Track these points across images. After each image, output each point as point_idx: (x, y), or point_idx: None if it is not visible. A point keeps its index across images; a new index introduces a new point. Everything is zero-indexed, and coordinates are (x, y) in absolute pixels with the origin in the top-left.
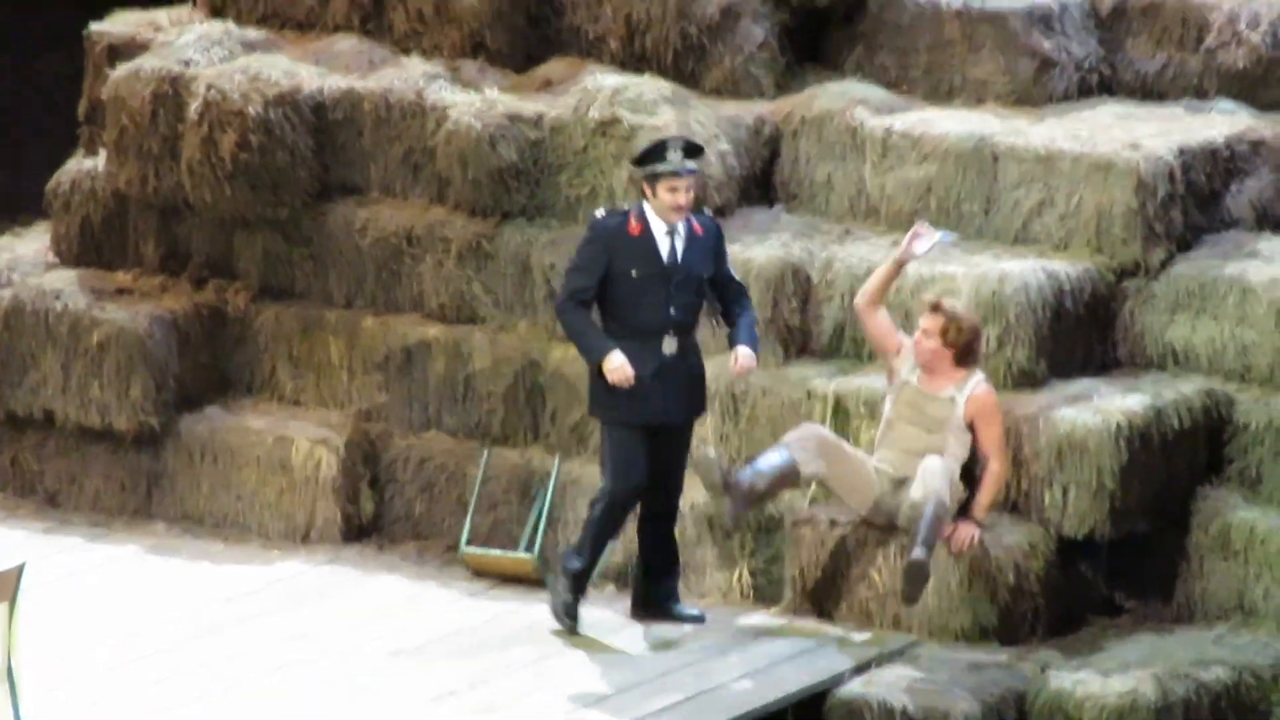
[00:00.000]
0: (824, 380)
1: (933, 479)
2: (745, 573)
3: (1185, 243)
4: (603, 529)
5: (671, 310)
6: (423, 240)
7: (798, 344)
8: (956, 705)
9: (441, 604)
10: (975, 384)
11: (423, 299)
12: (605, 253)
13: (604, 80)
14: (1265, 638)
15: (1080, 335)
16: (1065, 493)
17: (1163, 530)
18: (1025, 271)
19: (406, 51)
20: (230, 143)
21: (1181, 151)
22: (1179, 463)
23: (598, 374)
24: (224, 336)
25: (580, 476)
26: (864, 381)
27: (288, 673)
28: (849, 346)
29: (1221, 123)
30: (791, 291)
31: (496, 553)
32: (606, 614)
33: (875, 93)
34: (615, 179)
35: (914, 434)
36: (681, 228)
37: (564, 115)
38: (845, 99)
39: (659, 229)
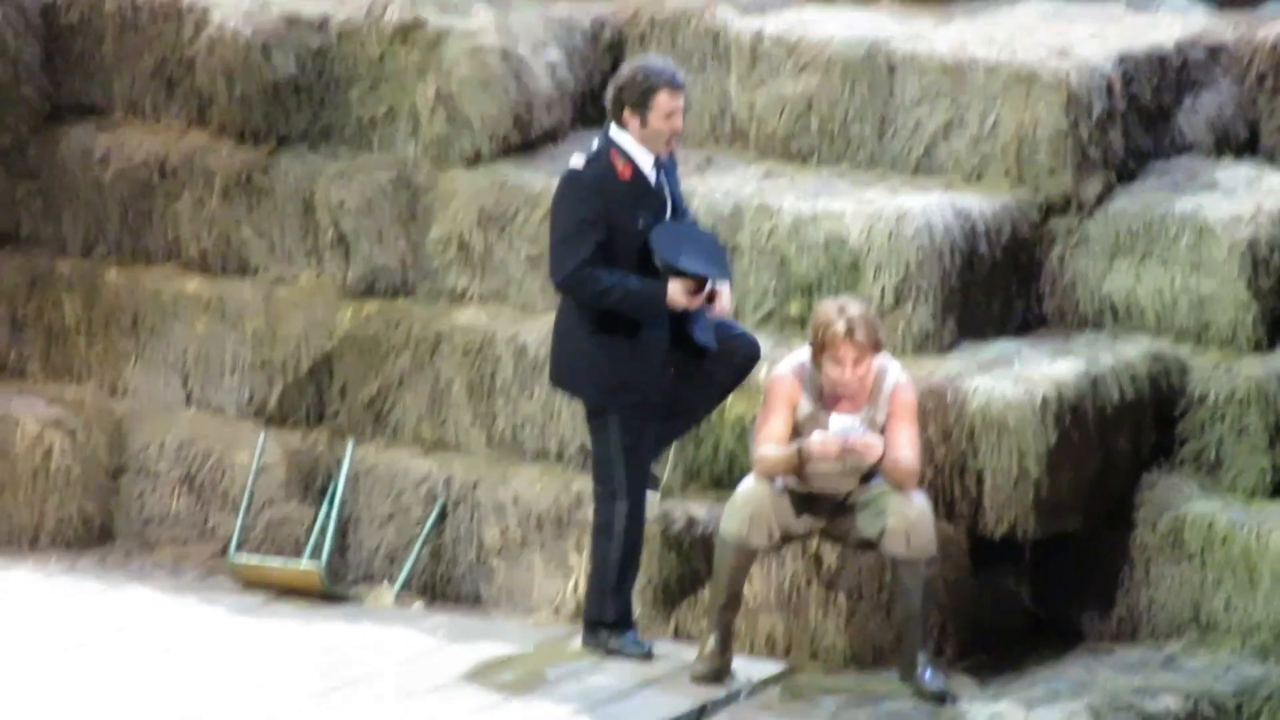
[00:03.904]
0: None
1: (921, 532)
2: (583, 582)
3: (1127, 172)
4: (632, 551)
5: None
6: (179, 173)
7: None
8: None
9: (206, 623)
10: (890, 384)
11: (179, 245)
12: (604, 211)
13: None
14: (1227, 658)
15: (997, 287)
16: (979, 482)
17: (1100, 528)
18: (929, 208)
19: None
20: None
21: (1122, 60)
22: (1120, 444)
23: (597, 350)
24: None
25: (377, 465)
26: None
27: (9, 710)
28: None
29: (1171, 24)
30: None
31: (274, 561)
32: (417, 636)
33: None
34: (419, 96)
35: (834, 465)
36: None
37: (355, 18)
38: None
39: (646, 164)
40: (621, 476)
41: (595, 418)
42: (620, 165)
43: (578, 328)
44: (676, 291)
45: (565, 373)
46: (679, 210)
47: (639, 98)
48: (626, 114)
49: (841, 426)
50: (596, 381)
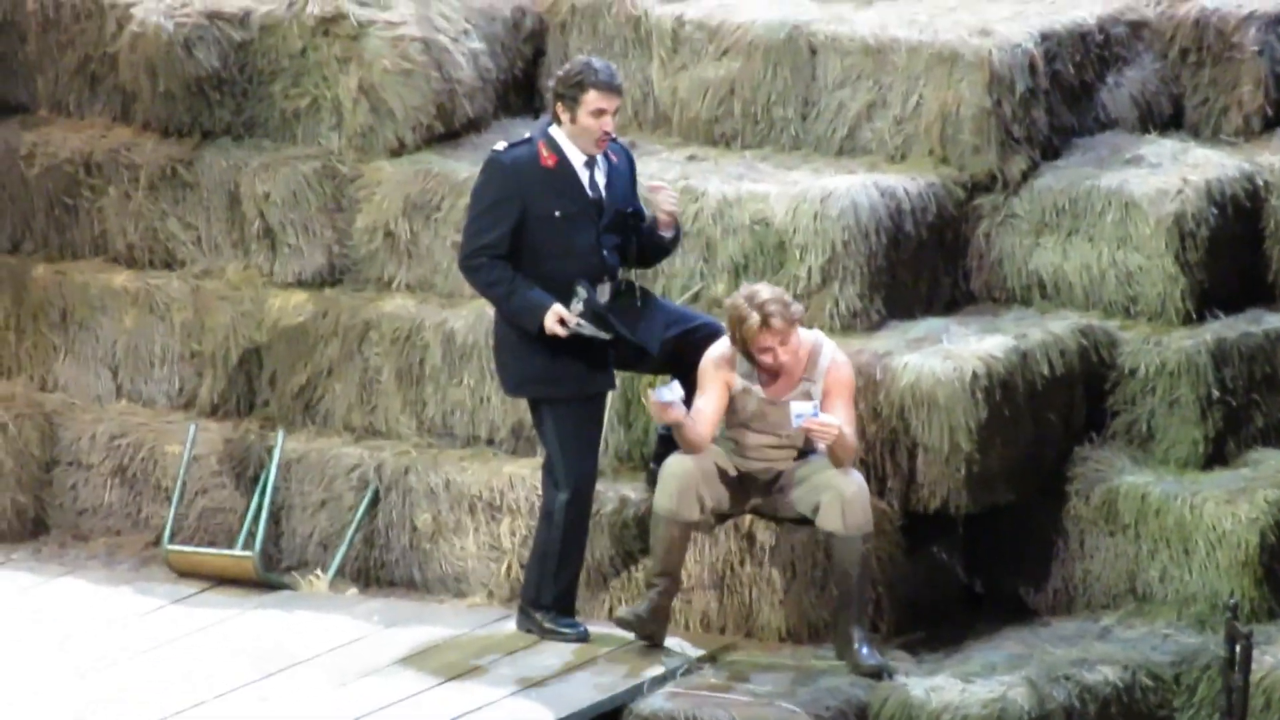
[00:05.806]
0: None
1: (857, 508)
2: (517, 565)
3: (1052, 149)
4: (572, 540)
5: (605, 254)
6: (105, 168)
7: None
8: None
9: (140, 613)
10: (825, 361)
11: (106, 240)
12: (518, 195)
13: None
14: (1163, 629)
15: (924, 265)
16: (911, 459)
17: (1033, 502)
18: (854, 189)
19: None
20: None
21: (1044, 37)
22: (1051, 418)
23: (524, 344)
24: None
25: (307, 454)
26: None
27: None
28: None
29: (1093, 0)
30: None
31: (208, 550)
32: (351, 622)
33: None
34: (341, 89)
35: (770, 440)
36: (599, 158)
37: (276, 12)
38: None
39: (576, 160)
40: (561, 467)
41: (532, 409)
42: (546, 154)
43: (501, 319)
44: (552, 317)
45: (496, 364)
46: (621, 216)
47: (570, 93)
48: (559, 108)
49: (801, 412)
50: (518, 373)
